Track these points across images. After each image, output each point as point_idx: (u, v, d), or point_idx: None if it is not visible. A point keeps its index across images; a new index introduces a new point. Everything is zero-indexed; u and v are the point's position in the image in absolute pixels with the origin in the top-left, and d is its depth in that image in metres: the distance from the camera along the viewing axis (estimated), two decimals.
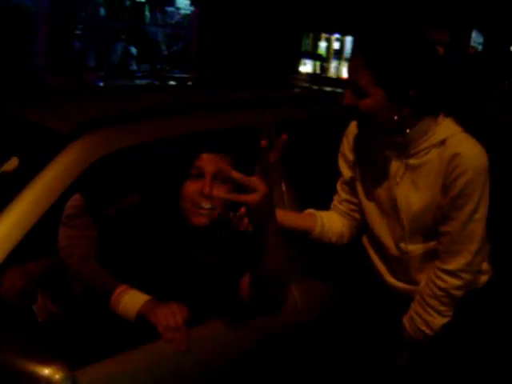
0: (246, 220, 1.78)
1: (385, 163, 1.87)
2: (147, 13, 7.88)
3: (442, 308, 1.86)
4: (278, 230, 1.63)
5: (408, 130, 1.78)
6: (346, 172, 2.04)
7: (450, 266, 1.82)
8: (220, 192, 1.81)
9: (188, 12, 8.93)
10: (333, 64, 16.82)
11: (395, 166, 1.85)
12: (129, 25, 7.74)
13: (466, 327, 1.95)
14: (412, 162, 1.82)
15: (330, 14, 13.37)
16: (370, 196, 1.95)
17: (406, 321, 1.95)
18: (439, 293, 1.85)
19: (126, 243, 1.91)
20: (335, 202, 2.12)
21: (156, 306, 1.71)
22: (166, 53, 8.54)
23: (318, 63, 16.11)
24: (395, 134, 1.80)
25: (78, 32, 7.28)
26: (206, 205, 1.86)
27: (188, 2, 8.87)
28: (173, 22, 8.60)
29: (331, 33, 16.09)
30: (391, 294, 2.02)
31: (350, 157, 2.01)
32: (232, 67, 8.44)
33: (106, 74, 6.45)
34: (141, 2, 7.65)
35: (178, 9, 8.79)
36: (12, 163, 1.90)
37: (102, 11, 7.38)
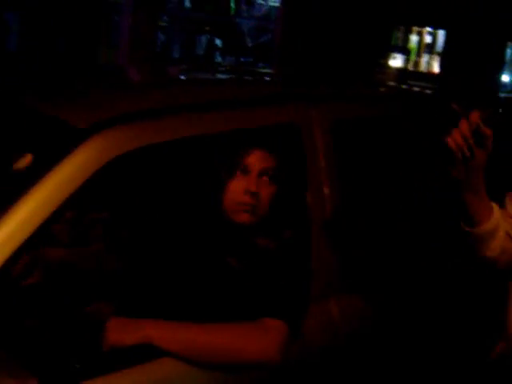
0: None
1: None
2: (232, 4, 7.76)
3: None
4: None
5: None
6: None
7: None
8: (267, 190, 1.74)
9: (276, 4, 8.75)
10: (424, 58, 16.19)
11: None
12: (214, 16, 7.64)
13: None
14: None
15: (422, 5, 12.81)
16: None
17: None
18: None
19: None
20: None
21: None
22: (250, 45, 8.40)
23: (410, 57, 15.55)
24: None
25: (162, 23, 7.23)
26: (251, 202, 1.74)
27: None
28: (259, 14, 8.44)
29: (423, 26, 15.46)
30: None
31: None
32: (316, 61, 8.20)
33: (189, 67, 6.38)
34: None
35: (266, 0, 8.63)
36: (25, 160, 1.78)
37: (187, 2, 7.31)
